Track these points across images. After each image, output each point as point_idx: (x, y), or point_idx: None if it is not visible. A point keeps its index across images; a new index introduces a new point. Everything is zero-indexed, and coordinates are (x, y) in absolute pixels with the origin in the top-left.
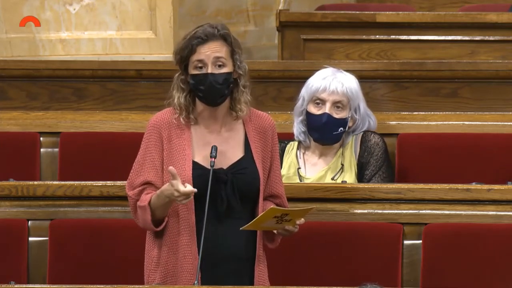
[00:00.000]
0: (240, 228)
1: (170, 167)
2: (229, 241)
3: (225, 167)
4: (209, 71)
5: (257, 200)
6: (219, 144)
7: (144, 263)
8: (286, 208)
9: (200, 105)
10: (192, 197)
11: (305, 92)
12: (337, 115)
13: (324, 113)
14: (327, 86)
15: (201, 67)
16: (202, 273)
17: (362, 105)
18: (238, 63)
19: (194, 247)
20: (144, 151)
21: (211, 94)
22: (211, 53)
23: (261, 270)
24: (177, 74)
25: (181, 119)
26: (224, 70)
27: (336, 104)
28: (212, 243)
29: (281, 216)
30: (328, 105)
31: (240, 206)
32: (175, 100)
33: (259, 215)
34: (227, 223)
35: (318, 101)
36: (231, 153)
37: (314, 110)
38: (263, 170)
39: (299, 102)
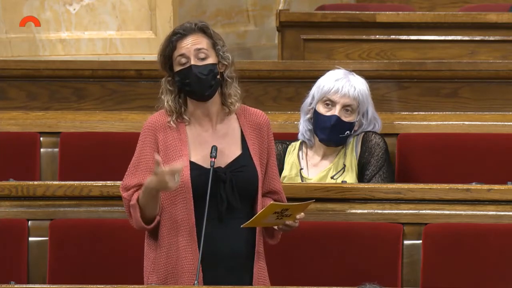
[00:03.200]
0: (241, 226)
1: (156, 154)
2: (230, 239)
3: (223, 166)
4: (192, 63)
5: (256, 198)
6: (216, 142)
7: (143, 265)
8: (286, 203)
9: (191, 105)
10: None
11: (315, 91)
12: (346, 118)
13: (333, 115)
14: (339, 88)
15: (184, 63)
16: (203, 273)
17: (371, 110)
18: (221, 54)
19: (194, 247)
20: (139, 153)
21: (198, 86)
22: (191, 46)
23: (260, 267)
24: (163, 78)
25: (172, 122)
26: (208, 61)
27: (346, 108)
28: (213, 242)
29: (281, 212)
30: (338, 107)
31: (239, 204)
32: (165, 103)
33: (260, 212)
34: (227, 222)
35: (328, 102)
36: (229, 151)
37: (323, 110)
38: (261, 167)
39: (308, 100)
